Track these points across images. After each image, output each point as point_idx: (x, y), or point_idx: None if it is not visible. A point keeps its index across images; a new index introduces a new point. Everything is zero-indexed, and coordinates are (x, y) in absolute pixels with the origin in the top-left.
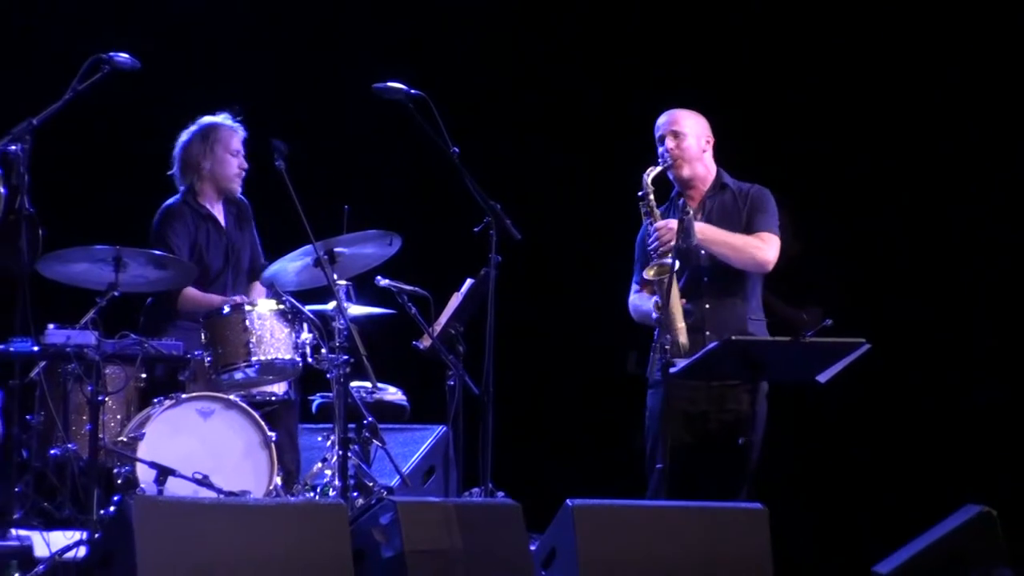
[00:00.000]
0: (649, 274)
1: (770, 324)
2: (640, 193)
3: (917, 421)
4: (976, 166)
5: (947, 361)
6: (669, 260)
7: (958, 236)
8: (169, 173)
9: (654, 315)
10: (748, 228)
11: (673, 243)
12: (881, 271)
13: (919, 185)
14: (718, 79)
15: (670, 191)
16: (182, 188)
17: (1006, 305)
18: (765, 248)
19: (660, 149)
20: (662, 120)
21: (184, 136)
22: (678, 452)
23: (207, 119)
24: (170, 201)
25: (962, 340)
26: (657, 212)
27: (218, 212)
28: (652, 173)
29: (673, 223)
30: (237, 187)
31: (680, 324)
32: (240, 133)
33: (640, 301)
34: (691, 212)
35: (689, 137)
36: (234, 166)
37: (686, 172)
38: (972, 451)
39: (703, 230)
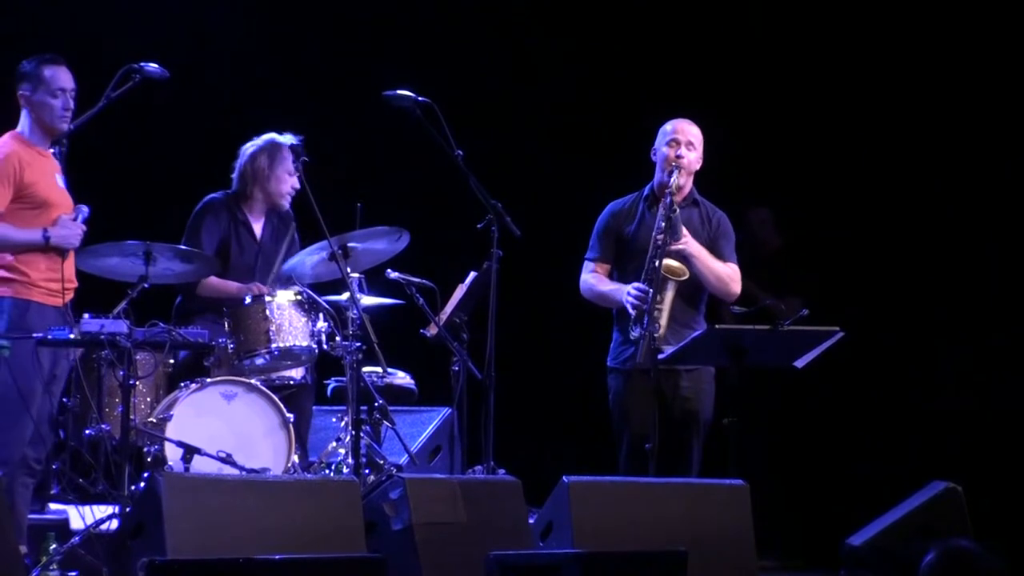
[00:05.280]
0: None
1: (752, 313)
2: (668, 191)
3: (887, 403)
4: (950, 162)
5: (916, 348)
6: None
7: (921, 229)
8: (231, 175)
9: (645, 306)
10: (714, 251)
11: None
12: (854, 263)
13: (895, 180)
14: (706, 78)
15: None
16: (234, 188)
17: (970, 292)
18: (737, 282)
19: (670, 150)
20: (684, 126)
21: (251, 147)
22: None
23: (275, 136)
24: (214, 195)
25: (930, 329)
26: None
27: (257, 221)
28: (677, 177)
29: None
30: (286, 203)
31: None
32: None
33: (596, 282)
34: (677, 211)
35: (698, 151)
36: (288, 185)
37: (684, 181)
38: (939, 430)
39: (699, 252)
